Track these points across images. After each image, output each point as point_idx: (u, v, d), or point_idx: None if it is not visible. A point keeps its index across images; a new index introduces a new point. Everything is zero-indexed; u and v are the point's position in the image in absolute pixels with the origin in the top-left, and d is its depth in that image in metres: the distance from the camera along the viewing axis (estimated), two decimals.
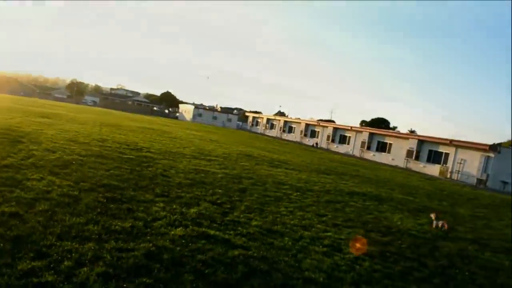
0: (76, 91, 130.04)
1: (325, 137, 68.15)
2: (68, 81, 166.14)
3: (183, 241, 6.55)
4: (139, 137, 24.03)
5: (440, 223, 11.43)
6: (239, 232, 7.64)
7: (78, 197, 8.16)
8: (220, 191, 11.34)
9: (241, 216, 8.92)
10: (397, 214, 12.75)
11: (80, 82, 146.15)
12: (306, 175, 18.99)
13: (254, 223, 8.50)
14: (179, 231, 7.01)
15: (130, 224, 6.96)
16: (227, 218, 8.50)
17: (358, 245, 8.17)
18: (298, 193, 13.39)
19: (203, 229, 7.39)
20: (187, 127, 54.65)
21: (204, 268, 5.59)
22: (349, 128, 63.45)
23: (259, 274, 5.77)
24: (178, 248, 6.14)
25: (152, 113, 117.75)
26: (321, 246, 7.63)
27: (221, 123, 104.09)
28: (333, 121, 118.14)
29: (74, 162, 11.89)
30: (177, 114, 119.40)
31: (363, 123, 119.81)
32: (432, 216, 11.96)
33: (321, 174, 21.03)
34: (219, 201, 10.00)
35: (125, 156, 14.92)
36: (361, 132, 59.92)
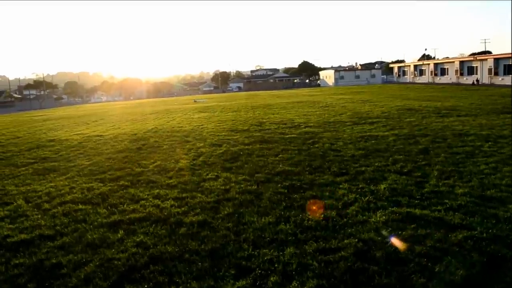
0: (221, 81, 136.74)
1: (485, 72, 60.69)
2: (211, 73, 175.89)
3: (389, 228, 5.52)
4: (292, 113, 23.58)
5: None
6: (447, 206, 6.34)
7: (258, 191, 7.68)
8: (400, 157, 10.06)
9: (440, 184, 7.56)
10: None
11: (223, 72, 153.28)
12: (485, 119, 16.46)
13: (459, 191, 7.10)
14: (380, 216, 6.00)
15: (323, 215, 6.17)
16: (425, 190, 7.23)
17: None
18: (489, 143, 11.39)
19: (405, 209, 6.27)
20: (333, 92, 53.18)
21: (431, 263, 4.49)
22: None
23: (503, 262, 4.49)
24: (388, 240, 5.14)
25: (294, 85, 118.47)
26: None
27: (365, 80, 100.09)
28: (489, 52, 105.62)
29: (241, 153, 11.65)
30: (319, 82, 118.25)
31: None
32: None
33: (501, 114, 18.14)
34: (405, 170, 8.74)
35: (287, 136, 14.40)
36: None
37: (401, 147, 11.36)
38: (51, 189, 8.99)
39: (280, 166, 9.70)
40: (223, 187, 8.12)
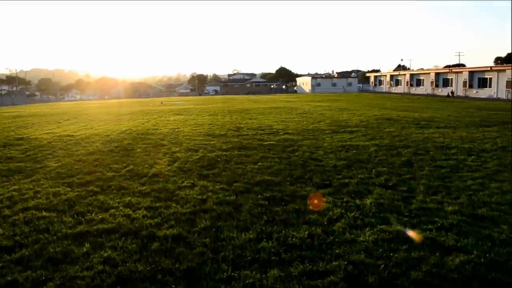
0: (198, 84, 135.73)
1: (460, 84, 61.75)
2: (188, 75, 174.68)
3: (380, 249, 5.14)
4: (270, 119, 23.18)
5: None
6: (438, 225, 6.01)
7: (237, 203, 7.22)
8: (384, 169, 9.75)
9: (427, 200, 7.25)
10: None
11: (200, 74, 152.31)
12: (466, 132, 16.41)
13: (449, 208, 6.79)
14: (369, 235, 5.61)
15: (307, 232, 5.75)
16: (413, 206, 6.90)
17: None
18: (472, 156, 11.21)
19: (394, 227, 5.92)
20: (310, 99, 53.08)
21: None
22: (489, 68, 56.53)
23: None
24: (380, 263, 4.73)
25: (271, 91, 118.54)
26: None
27: (341, 88, 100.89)
28: (463, 65, 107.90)
29: (219, 159, 11.16)
30: (295, 88, 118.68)
31: (499, 60, 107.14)
32: None
33: (480, 127, 18.14)
34: (390, 184, 8.42)
35: (266, 143, 13.97)
36: (504, 71, 52.97)
37: (384, 158, 11.08)
38: (13, 192, 8.34)
39: (260, 175, 9.26)
40: (199, 197, 7.63)
